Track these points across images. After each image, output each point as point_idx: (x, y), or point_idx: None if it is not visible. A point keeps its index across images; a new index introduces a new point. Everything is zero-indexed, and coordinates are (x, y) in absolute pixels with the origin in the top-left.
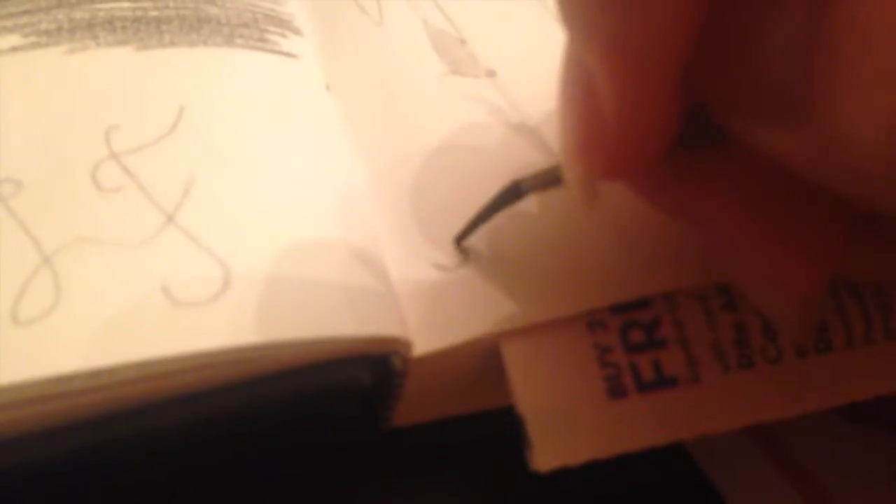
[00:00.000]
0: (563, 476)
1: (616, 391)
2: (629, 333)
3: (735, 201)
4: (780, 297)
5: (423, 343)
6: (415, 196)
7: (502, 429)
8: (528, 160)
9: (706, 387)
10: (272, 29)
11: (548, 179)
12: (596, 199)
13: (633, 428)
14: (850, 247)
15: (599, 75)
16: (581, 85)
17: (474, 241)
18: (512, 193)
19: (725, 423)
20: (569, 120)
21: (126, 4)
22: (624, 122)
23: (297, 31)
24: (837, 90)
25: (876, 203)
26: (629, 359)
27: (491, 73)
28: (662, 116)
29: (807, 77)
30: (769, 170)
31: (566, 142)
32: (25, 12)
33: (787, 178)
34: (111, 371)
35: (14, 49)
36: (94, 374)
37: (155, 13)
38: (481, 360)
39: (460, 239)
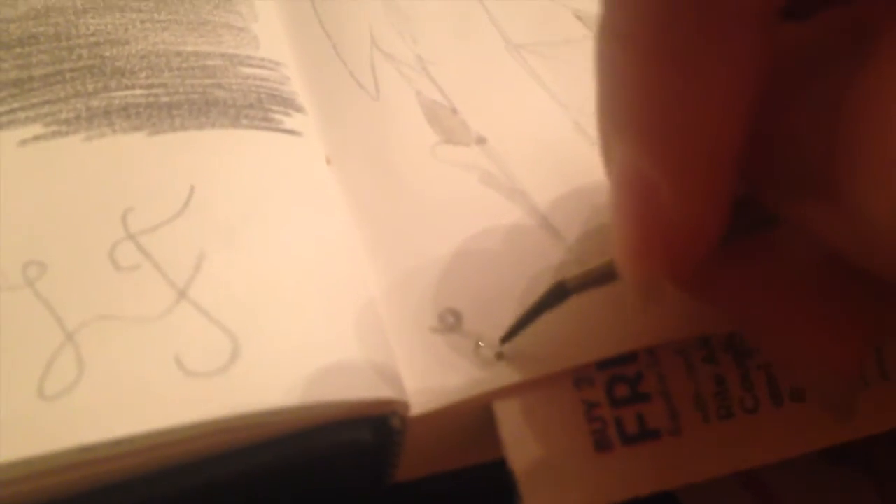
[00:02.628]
0: None
1: (602, 445)
2: (614, 388)
3: (776, 289)
4: (821, 376)
5: (420, 403)
6: (411, 261)
7: (497, 481)
8: (520, 227)
9: (688, 438)
10: (276, 108)
11: (595, 278)
12: (656, 297)
13: (619, 479)
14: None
15: (660, 183)
16: (637, 191)
17: (465, 303)
18: (557, 295)
19: (707, 471)
20: (625, 225)
21: (139, 92)
22: (685, 223)
23: (299, 109)
24: (857, 171)
25: None
26: (614, 413)
27: (481, 140)
28: (721, 213)
29: (831, 156)
30: (808, 255)
31: (624, 247)
32: (46, 102)
33: (826, 263)
34: (130, 440)
35: (37, 138)
36: (115, 443)
37: (166, 98)
38: (475, 418)
39: (505, 339)
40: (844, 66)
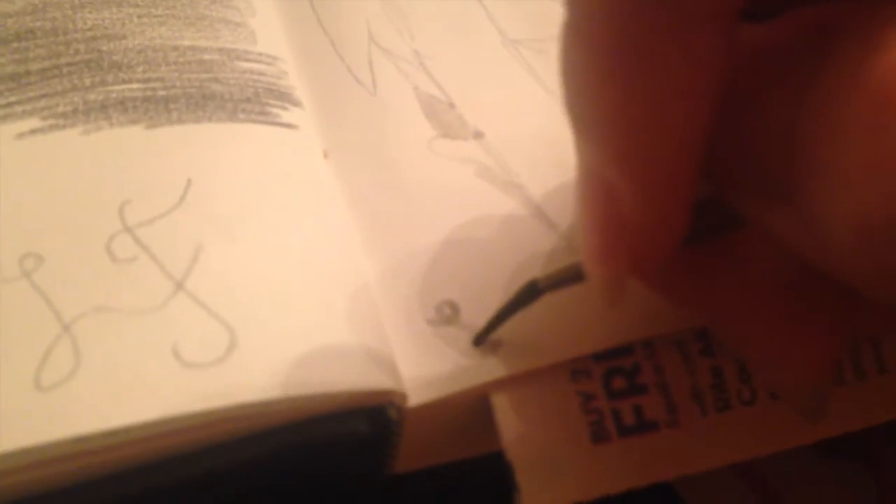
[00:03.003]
0: None
1: (599, 436)
2: (611, 380)
3: (741, 290)
4: (788, 378)
5: (418, 394)
6: (408, 253)
7: (495, 473)
8: (515, 217)
9: (685, 430)
10: (273, 102)
11: (566, 277)
12: (621, 296)
13: (616, 471)
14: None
15: (620, 185)
16: (600, 193)
17: (462, 295)
18: (530, 293)
19: (704, 463)
20: (590, 226)
21: (136, 86)
22: (647, 224)
23: (296, 103)
24: (815, 176)
25: (859, 287)
26: (611, 405)
27: (478, 135)
28: (683, 214)
29: (790, 159)
30: (773, 257)
31: (589, 246)
32: (44, 96)
33: (791, 265)
34: (127, 430)
35: (34, 131)
36: (111, 433)
37: (163, 92)
38: (472, 410)
39: (479, 339)
40: (805, 68)
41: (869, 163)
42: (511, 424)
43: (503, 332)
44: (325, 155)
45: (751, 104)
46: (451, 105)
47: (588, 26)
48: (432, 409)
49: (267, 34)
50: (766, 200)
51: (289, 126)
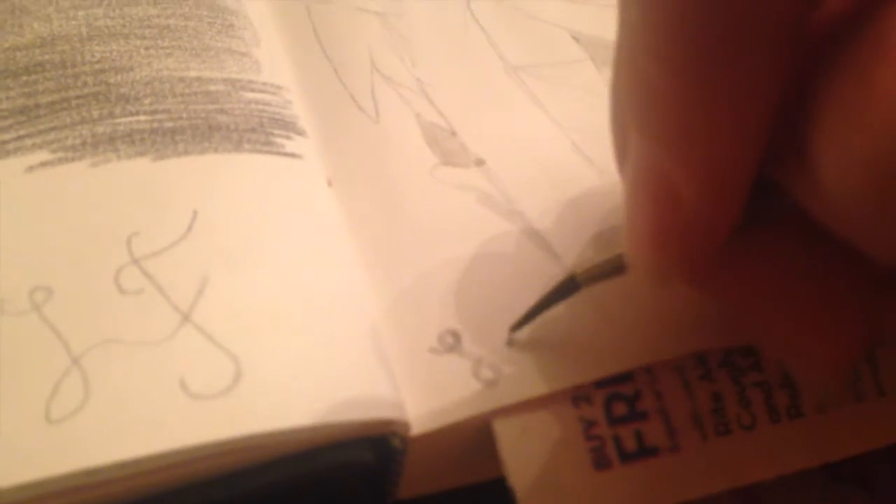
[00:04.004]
0: None
1: (601, 462)
2: (612, 406)
3: (771, 283)
4: (809, 368)
5: (421, 423)
6: (410, 282)
7: (498, 500)
8: (516, 244)
9: (686, 455)
10: (277, 132)
11: (605, 271)
12: (669, 285)
13: (618, 497)
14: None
15: (682, 179)
16: (657, 183)
17: (464, 323)
18: (568, 287)
19: (705, 488)
20: (642, 215)
21: (143, 118)
22: (705, 216)
23: (300, 132)
24: (816, 127)
25: (871, 251)
26: (613, 431)
27: (480, 162)
28: (738, 208)
29: (801, 111)
30: (804, 254)
31: (638, 234)
32: (53, 129)
33: (821, 262)
34: (135, 462)
35: (43, 164)
36: (121, 465)
37: (170, 124)
38: (475, 437)
39: (515, 328)
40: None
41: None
42: (513, 451)
43: (504, 361)
44: (329, 183)
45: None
46: (453, 133)
47: (665, 49)
48: (435, 438)
49: (271, 64)
50: (782, 158)
51: (293, 156)
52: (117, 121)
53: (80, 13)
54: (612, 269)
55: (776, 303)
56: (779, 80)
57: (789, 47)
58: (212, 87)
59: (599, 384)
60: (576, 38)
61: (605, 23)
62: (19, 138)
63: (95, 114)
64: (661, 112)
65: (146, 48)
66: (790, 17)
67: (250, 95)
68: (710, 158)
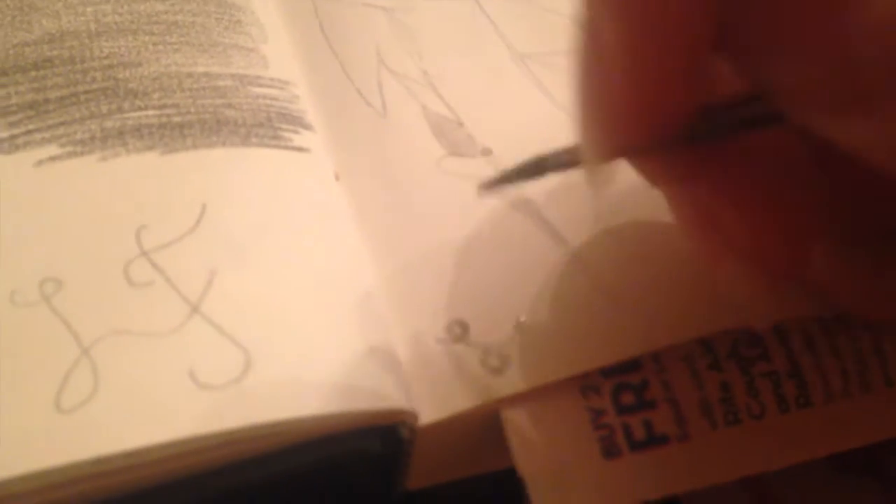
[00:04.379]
0: None
1: (610, 451)
2: (620, 396)
3: (725, 190)
4: (753, 276)
5: (429, 413)
6: (417, 273)
7: (507, 489)
8: (523, 233)
9: (695, 443)
10: (285, 126)
11: (567, 158)
12: (608, 178)
13: (628, 485)
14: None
15: (609, 37)
16: (592, 55)
17: (471, 313)
18: (535, 168)
19: (714, 477)
20: (581, 89)
21: (152, 112)
22: (629, 82)
23: (307, 127)
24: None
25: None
26: (621, 420)
27: (487, 152)
28: (672, 87)
29: (883, 56)
30: (757, 164)
31: (579, 111)
32: (62, 123)
33: (772, 172)
34: (144, 451)
35: (52, 158)
36: (130, 454)
37: (178, 119)
38: (484, 427)
39: (484, 188)
40: None
41: None
42: (522, 441)
43: (512, 350)
44: (337, 177)
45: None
46: (460, 123)
47: None
48: (443, 428)
49: (279, 59)
50: (843, 111)
51: (301, 150)
52: (126, 115)
53: (89, 9)
54: (574, 157)
55: (735, 197)
56: None
57: None
58: (220, 83)
59: (607, 374)
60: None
61: None
62: (29, 133)
63: (104, 109)
64: None
65: (154, 44)
66: None
67: (258, 90)
68: (640, 18)
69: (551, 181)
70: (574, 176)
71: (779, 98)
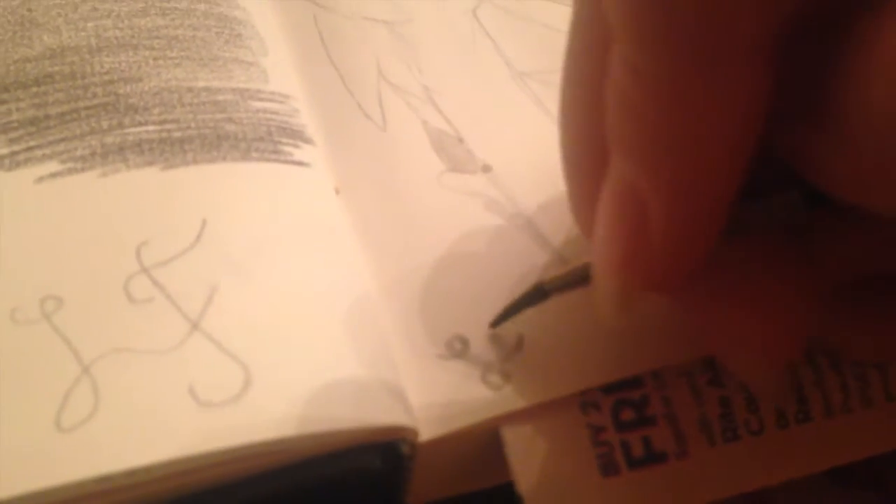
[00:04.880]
0: None
1: (609, 469)
2: (620, 412)
3: (732, 288)
4: (753, 363)
5: (429, 429)
6: (418, 289)
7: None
8: (524, 249)
9: (694, 460)
10: (285, 140)
11: (572, 280)
12: (632, 309)
13: (626, 503)
14: (845, 325)
15: (654, 200)
16: (627, 204)
17: (472, 329)
18: (536, 295)
19: (713, 493)
20: (609, 236)
21: (152, 128)
22: (675, 242)
23: (308, 141)
24: (849, 82)
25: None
26: (620, 437)
27: (487, 168)
28: (712, 234)
29: (827, 70)
30: (762, 259)
31: (604, 256)
32: (62, 139)
33: (776, 265)
34: (145, 470)
35: (53, 175)
36: (131, 473)
37: (179, 134)
38: (483, 443)
39: (494, 325)
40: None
41: None
42: (522, 457)
43: (512, 367)
44: (337, 191)
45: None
46: (460, 139)
47: (645, 65)
48: (444, 444)
49: (279, 73)
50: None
51: (301, 164)
52: (126, 131)
53: (90, 25)
54: (579, 278)
55: (735, 303)
56: (757, 96)
57: (767, 62)
58: (220, 97)
59: (607, 390)
60: None
61: None
62: (29, 149)
63: (105, 124)
64: (638, 127)
65: (155, 59)
66: (766, 31)
67: (258, 104)
68: (681, 175)
69: (550, 198)
70: None
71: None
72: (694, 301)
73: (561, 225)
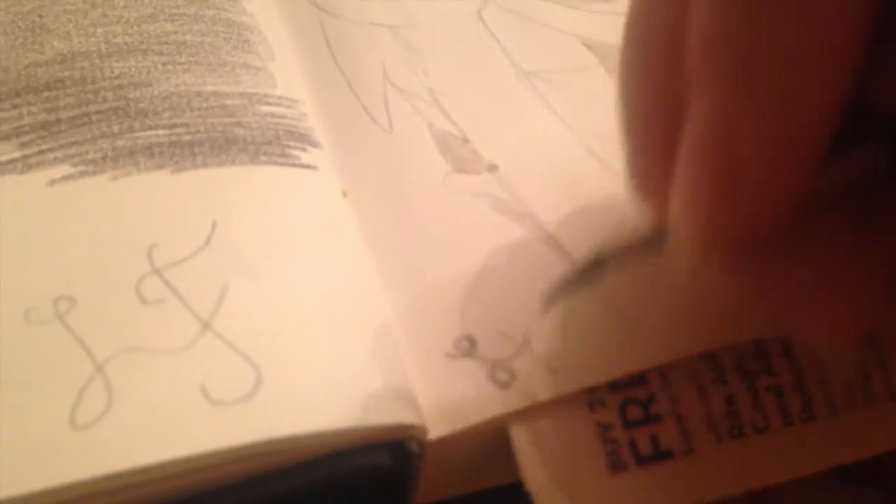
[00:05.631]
0: None
1: (616, 465)
2: (627, 410)
3: (813, 267)
4: (841, 337)
5: (438, 428)
6: (425, 289)
7: (515, 503)
8: (530, 248)
9: (700, 457)
10: (293, 144)
11: (633, 249)
12: (713, 264)
13: (633, 500)
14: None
15: (746, 125)
16: (715, 138)
17: (479, 328)
18: (594, 268)
19: (719, 490)
20: (695, 176)
21: (162, 132)
22: (767, 177)
23: (315, 144)
24: None
25: None
26: (628, 434)
27: (492, 168)
28: (805, 173)
29: None
30: (844, 236)
31: (692, 198)
32: (74, 143)
33: (847, 233)
34: (158, 467)
35: (65, 178)
36: (143, 470)
37: (188, 137)
38: (492, 441)
39: (546, 304)
40: None
41: None
42: (530, 455)
43: (520, 365)
44: (344, 194)
45: None
46: (465, 140)
47: None
48: (452, 442)
49: (286, 77)
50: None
51: (308, 167)
52: (137, 135)
53: (99, 30)
54: (643, 244)
55: (816, 285)
56: (858, 30)
57: None
58: (228, 102)
59: (614, 388)
60: (587, 45)
61: (616, 31)
62: (41, 153)
63: (115, 128)
64: (730, 35)
65: (164, 64)
66: None
67: (266, 109)
68: (777, 92)
69: (556, 197)
70: (581, 194)
71: None
72: (772, 275)
73: (569, 223)
